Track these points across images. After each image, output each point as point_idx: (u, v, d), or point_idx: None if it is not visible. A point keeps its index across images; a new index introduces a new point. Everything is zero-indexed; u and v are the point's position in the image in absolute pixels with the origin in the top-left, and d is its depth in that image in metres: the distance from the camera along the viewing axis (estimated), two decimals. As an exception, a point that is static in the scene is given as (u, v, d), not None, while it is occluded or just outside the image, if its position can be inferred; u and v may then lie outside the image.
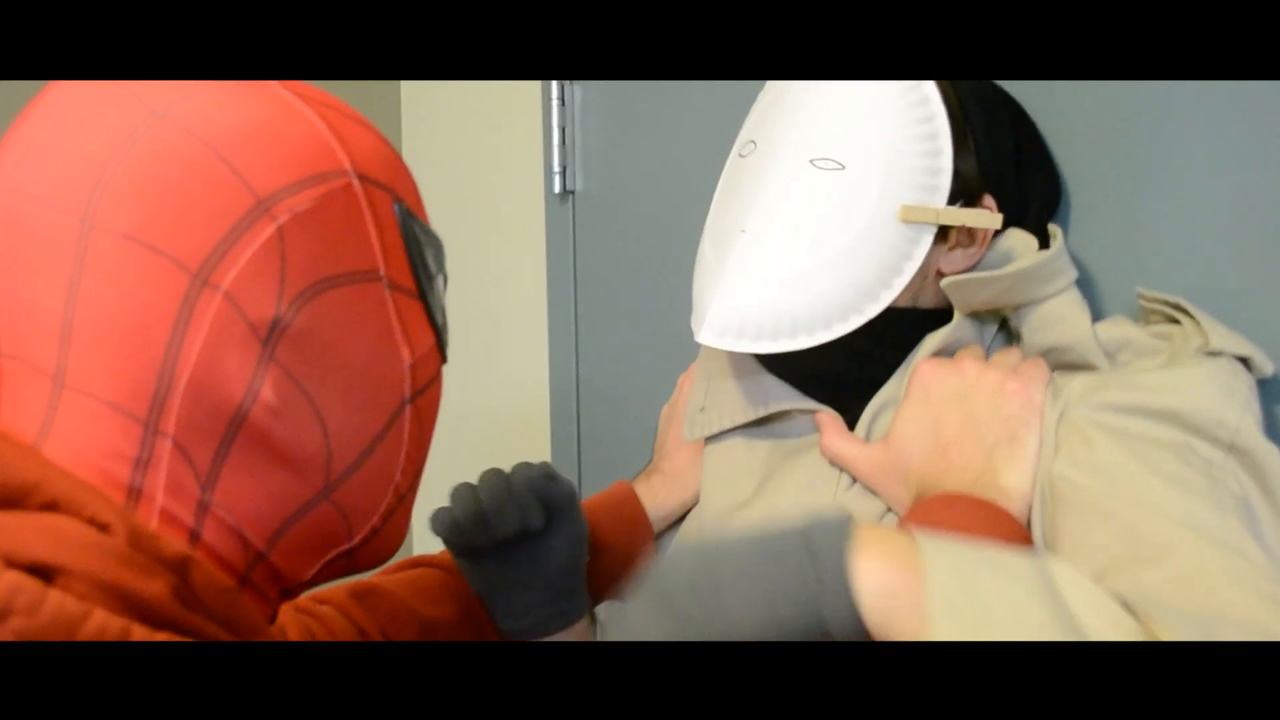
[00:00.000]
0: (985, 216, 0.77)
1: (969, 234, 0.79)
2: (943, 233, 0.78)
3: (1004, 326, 0.83)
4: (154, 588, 0.47)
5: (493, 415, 1.55)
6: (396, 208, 0.57)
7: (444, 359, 0.62)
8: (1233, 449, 0.68)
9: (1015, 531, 0.70)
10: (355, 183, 0.55)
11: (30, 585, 0.43)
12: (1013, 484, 0.73)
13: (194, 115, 0.51)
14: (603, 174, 1.33)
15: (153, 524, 0.51)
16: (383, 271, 0.56)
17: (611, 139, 1.31)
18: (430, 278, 0.60)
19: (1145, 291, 0.79)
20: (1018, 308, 0.80)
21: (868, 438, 0.82)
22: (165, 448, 0.51)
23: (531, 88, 1.39)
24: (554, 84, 1.33)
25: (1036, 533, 0.72)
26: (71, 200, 0.50)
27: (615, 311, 1.34)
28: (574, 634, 0.84)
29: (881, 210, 0.76)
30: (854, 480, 0.82)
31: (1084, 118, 0.85)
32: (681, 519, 0.96)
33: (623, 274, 1.32)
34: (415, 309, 0.58)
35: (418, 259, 0.59)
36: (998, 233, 0.80)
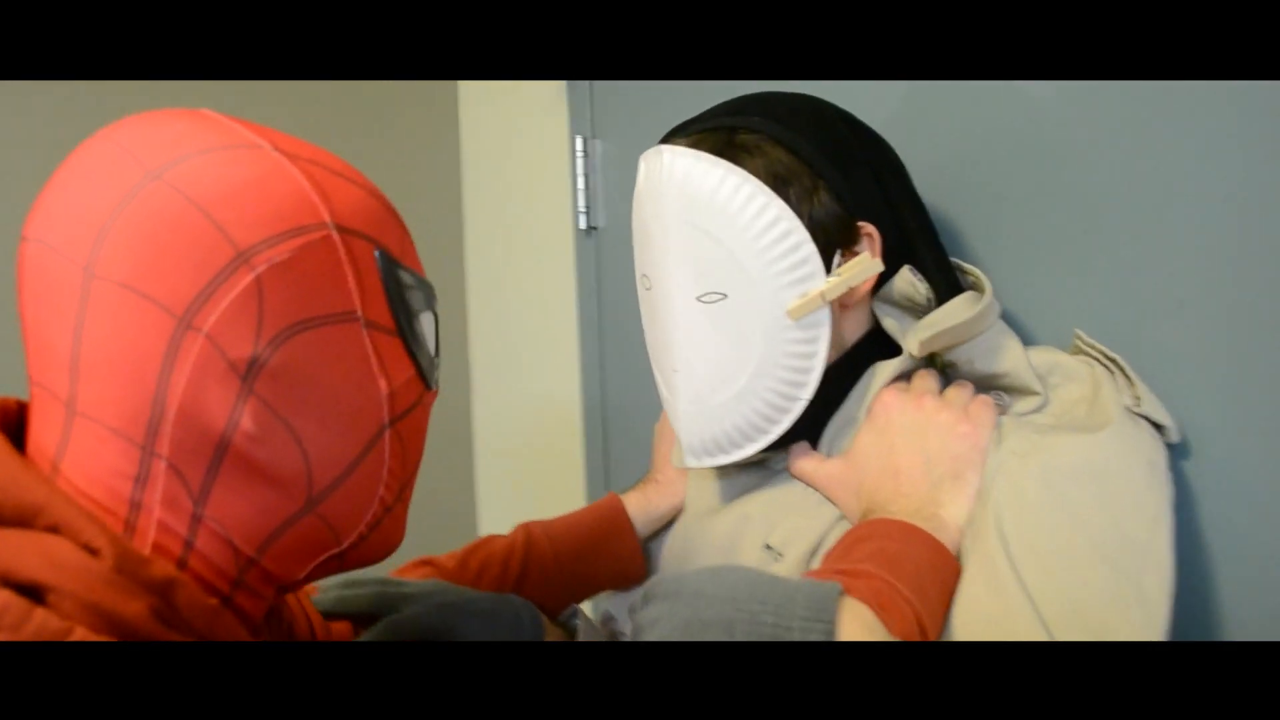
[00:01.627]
0: (864, 265, 0.75)
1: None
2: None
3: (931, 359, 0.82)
4: (133, 608, 0.48)
5: (531, 430, 1.54)
6: (377, 255, 0.57)
7: (429, 387, 0.61)
8: (1156, 523, 0.67)
9: (950, 568, 0.69)
10: (334, 234, 0.54)
11: (18, 604, 0.43)
12: (951, 516, 0.72)
13: (184, 176, 0.51)
14: (621, 212, 1.32)
15: (151, 534, 0.52)
16: (360, 313, 0.55)
17: (627, 183, 1.30)
18: (411, 316, 0.59)
19: (1084, 335, 0.77)
20: (952, 345, 0.78)
21: (829, 453, 0.81)
22: (160, 468, 0.51)
23: (561, 142, 1.39)
24: (578, 138, 1.33)
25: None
26: (78, 251, 0.50)
27: (635, 333, 1.32)
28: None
29: (773, 318, 0.74)
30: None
31: (1021, 166, 0.82)
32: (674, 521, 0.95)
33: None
34: (393, 345, 0.58)
35: (397, 300, 0.58)
36: (893, 270, 0.78)
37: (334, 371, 0.54)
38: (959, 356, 0.78)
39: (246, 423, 0.52)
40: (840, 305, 0.77)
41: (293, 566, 0.57)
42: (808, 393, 0.76)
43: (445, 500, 1.59)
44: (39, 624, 0.43)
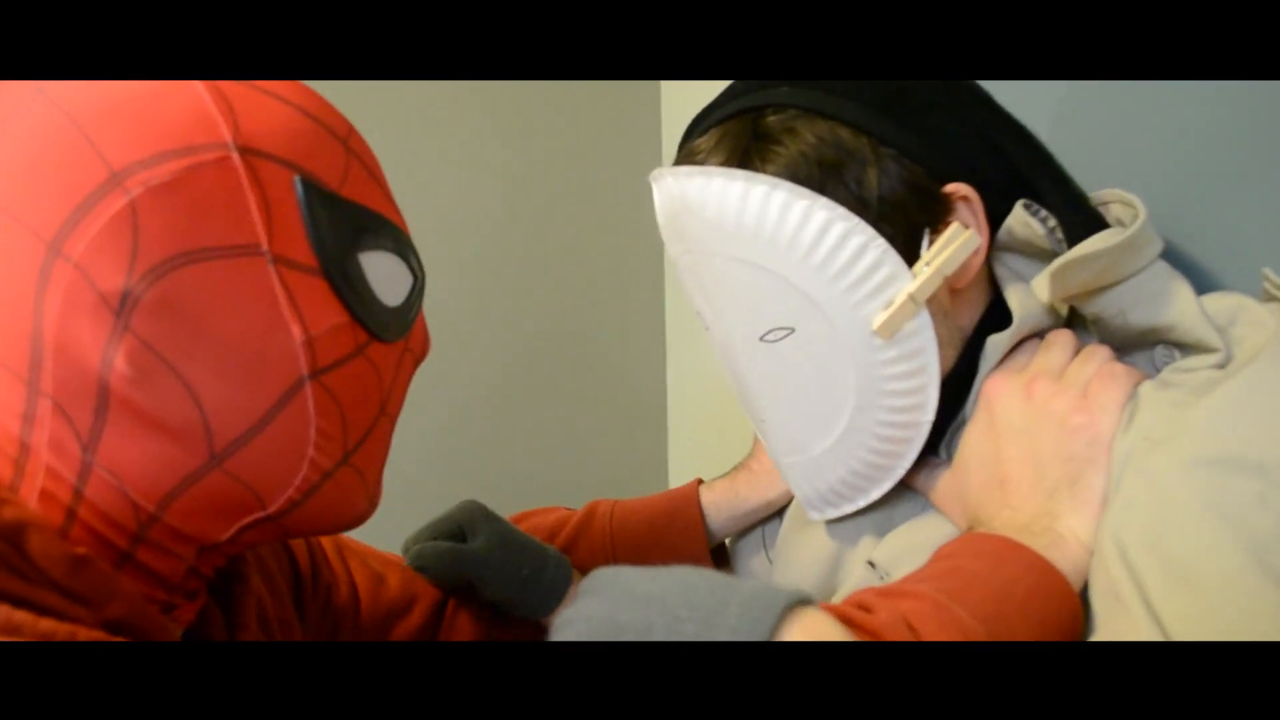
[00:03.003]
0: (958, 244, 0.56)
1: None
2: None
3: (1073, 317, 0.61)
4: None
5: (717, 402, 1.42)
6: (298, 183, 0.47)
7: (378, 338, 0.51)
8: None
9: (1060, 594, 0.52)
10: (235, 156, 0.45)
11: None
12: (1073, 528, 0.53)
13: (68, 92, 0.44)
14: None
15: (39, 479, 0.46)
16: (265, 246, 0.46)
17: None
18: (344, 254, 0.49)
19: (1273, 275, 0.54)
20: (1095, 292, 0.57)
21: (948, 456, 0.64)
22: (47, 408, 0.45)
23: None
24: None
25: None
26: None
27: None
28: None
29: (859, 342, 0.57)
30: None
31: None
32: (777, 513, 0.80)
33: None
34: (315, 286, 0.48)
35: (324, 236, 0.48)
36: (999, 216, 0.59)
37: (229, 312, 0.46)
38: (1107, 308, 0.57)
39: (121, 363, 0.44)
40: (950, 290, 0.59)
41: (208, 527, 0.49)
42: (929, 415, 0.60)
43: (639, 474, 1.50)
44: None
